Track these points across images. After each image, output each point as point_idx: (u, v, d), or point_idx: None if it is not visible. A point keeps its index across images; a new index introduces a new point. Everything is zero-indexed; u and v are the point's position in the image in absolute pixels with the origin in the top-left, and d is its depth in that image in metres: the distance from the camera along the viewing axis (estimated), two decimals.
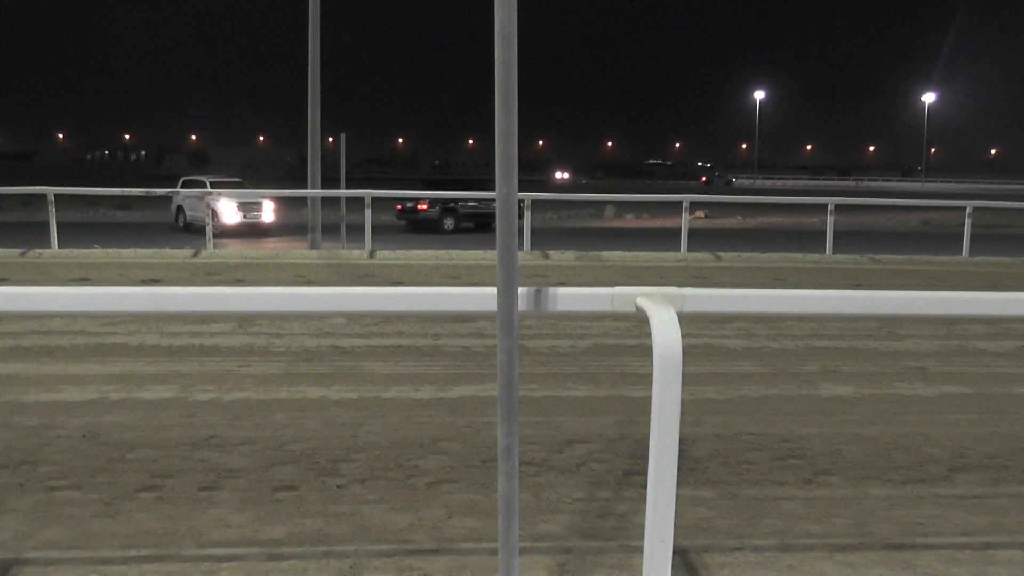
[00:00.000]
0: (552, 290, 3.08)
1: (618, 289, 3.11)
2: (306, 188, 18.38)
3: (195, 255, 15.25)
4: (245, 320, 8.92)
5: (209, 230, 16.67)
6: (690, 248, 17.32)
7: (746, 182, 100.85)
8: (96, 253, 15.18)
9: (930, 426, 5.93)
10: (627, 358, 7.70)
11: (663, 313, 2.86)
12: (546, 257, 15.63)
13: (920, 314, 3.43)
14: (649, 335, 2.83)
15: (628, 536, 4.03)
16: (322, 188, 18.62)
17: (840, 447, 5.43)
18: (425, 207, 28.08)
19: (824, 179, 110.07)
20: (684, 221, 17.57)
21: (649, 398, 2.79)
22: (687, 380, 2.87)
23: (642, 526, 2.92)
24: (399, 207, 28.88)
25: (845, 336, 8.89)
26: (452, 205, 28.01)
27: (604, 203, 38.66)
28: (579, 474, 4.89)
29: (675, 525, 2.88)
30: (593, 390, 6.63)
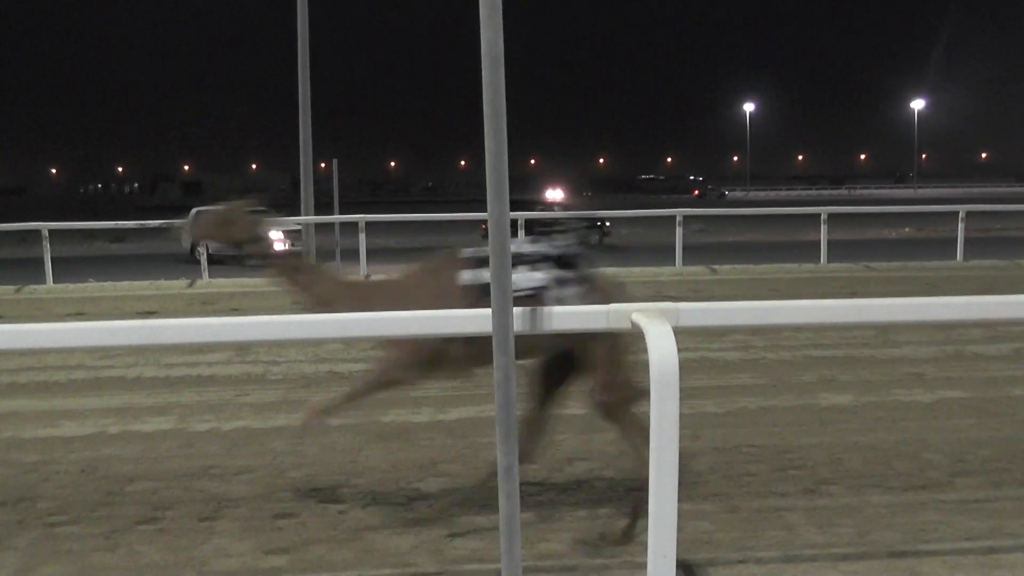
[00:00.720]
0: (547, 309, 3.09)
1: (613, 306, 3.12)
2: (299, 214, 18.42)
3: (190, 285, 15.25)
4: (242, 349, 8.91)
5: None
6: (685, 262, 17.36)
7: (739, 194, 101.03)
8: (91, 287, 15.19)
9: (930, 432, 5.94)
10: None
11: (659, 328, 2.87)
12: None
13: (916, 320, 3.44)
14: (646, 350, 2.83)
15: (631, 552, 4.02)
16: (315, 214, 18.67)
17: (840, 456, 5.43)
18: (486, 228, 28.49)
19: (817, 188, 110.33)
20: (679, 235, 17.61)
21: (648, 413, 2.80)
22: (685, 394, 2.87)
23: (645, 542, 2.92)
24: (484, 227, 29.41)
25: (842, 345, 8.89)
26: (529, 225, 28.87)
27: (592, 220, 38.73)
28: (580, 491, 4.88)
29: (678, 539, 2.87)
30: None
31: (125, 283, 15.55)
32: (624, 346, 4.15)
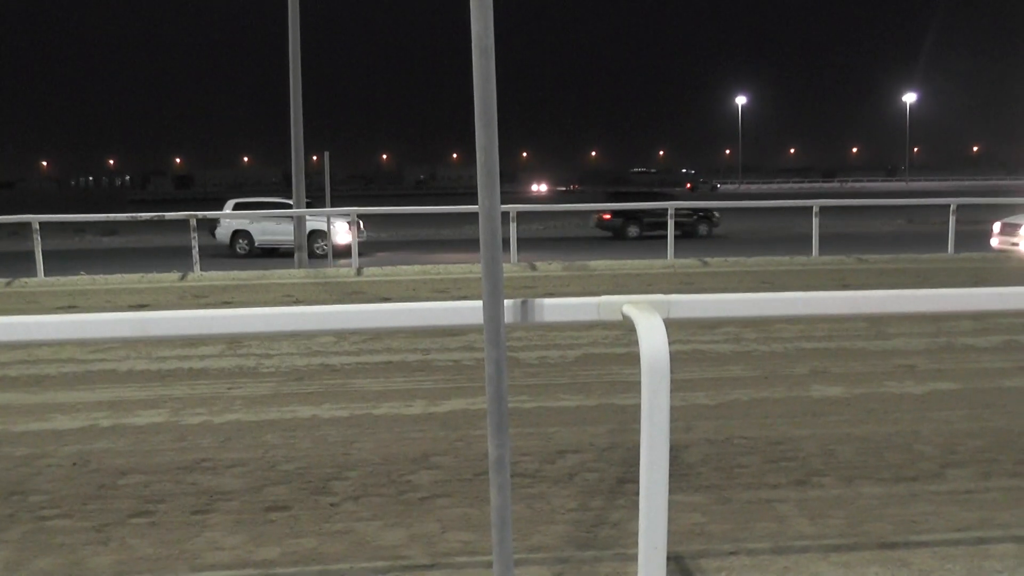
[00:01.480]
0: (539, 301, 3.09)
1: (604, 298, 3.12)
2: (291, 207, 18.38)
3: (182, 278, 15.22)
4: (234, 342, 8.90)
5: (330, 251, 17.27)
6: (676, 254, 17.39)
7: (731, 187, 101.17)
8: (82, 280, 15.15)
9: (921, 423, 5.96)
10: (617, 367, 7.71)
11: (649, 320, 2.87)
12: (533, 268, 15.65)
13: (908, 312, 3.44)
14: (638, 343, 2.83)
15: (623, 544, 4.03)
16: (307, 207, 18.63)
17: (832, 447, 5.45)
18: (609, 217, 31.52)
19: (808, 181, 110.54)
20: (670, 228, 17.64)
21: (639, 406, 2.80)
22: (677, 386, 2.88)
23: (636, 534, 2.93)
24: (606, 216, 31.83)
25: (834, 337, 8.91)
26: (636, 215, 30.82)
27: (590, 213, 38.83)
28: (572, 484, 4.89)
29: (669, 531, 2.88)
30: (584, 400, 6.64)
31: (117, 276, 15.51)
32: None
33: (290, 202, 26.39)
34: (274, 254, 24.76)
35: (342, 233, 24.56)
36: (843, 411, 6.28)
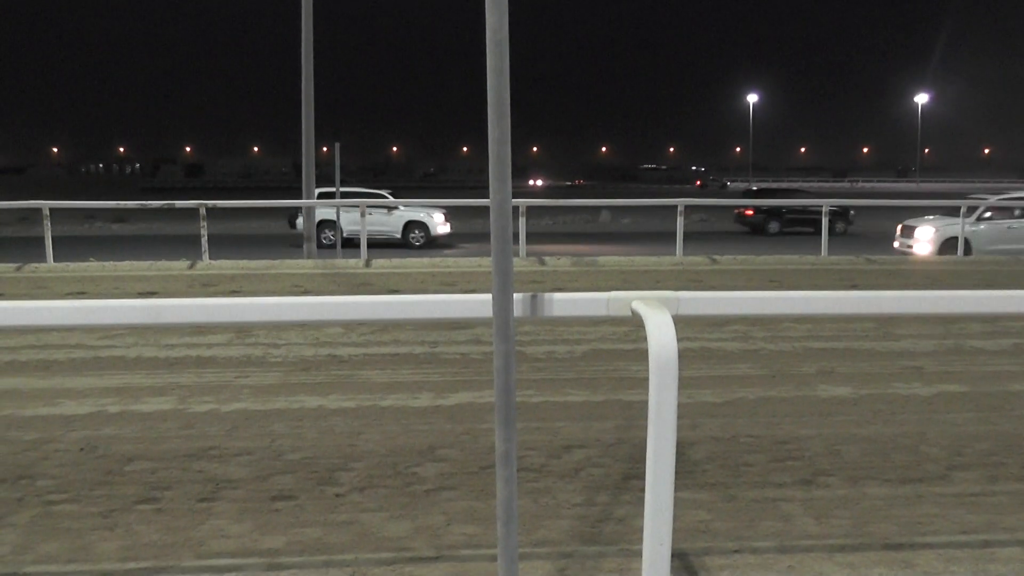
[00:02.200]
0: (548, 295, 3.09)
1: (613, 293, 3.12)
2: (301, 198, 18.40)
3: (191, 266, 15.25)
4: (242, 331, 8.92)
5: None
6: (685, 251, 17.36)
7: (741, 185, 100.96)
8: (92, 266, 15.18)
9: (928, 425, 5.94)
10: (624, 363, 7.70)
11: (658, 316, 2.87)
12: (542, 263, 15.64)
13: (916, 313, 3.44)
14: (646, 339, 2.83)
15: (628, 540, 4.03)
16: (317, 198, 18.65)
17: (838, 447, 5.44)
18: (751, 213, 32.52)
19: (819, 180, 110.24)
20: (679, 225, 17.61)
21: (647, 402, 2.80)
22: (684, 384, 2.88)
23: (641, 530, 2.93)
24: (748, 212, 32.70)
25: (842, 337, 8.89)
26: (778, 211, 31.86)
27: (599, 208, 38.87)
28: (578, 479, 4.89)
29: (674, 528, 2.88)
30: (591, 395, 6.64)
31: (126, 263, 15.54)
32: None
33: (384, 193, 26.32)
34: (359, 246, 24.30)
35: (439, 224, 24.85)
36: (850, 411, 6.27)
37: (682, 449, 5.18)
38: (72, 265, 15.34)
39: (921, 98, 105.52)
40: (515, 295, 2.89)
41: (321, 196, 25.03)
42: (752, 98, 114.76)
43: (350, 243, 24.08)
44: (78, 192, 64.42)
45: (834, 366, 7.66)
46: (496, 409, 2.84)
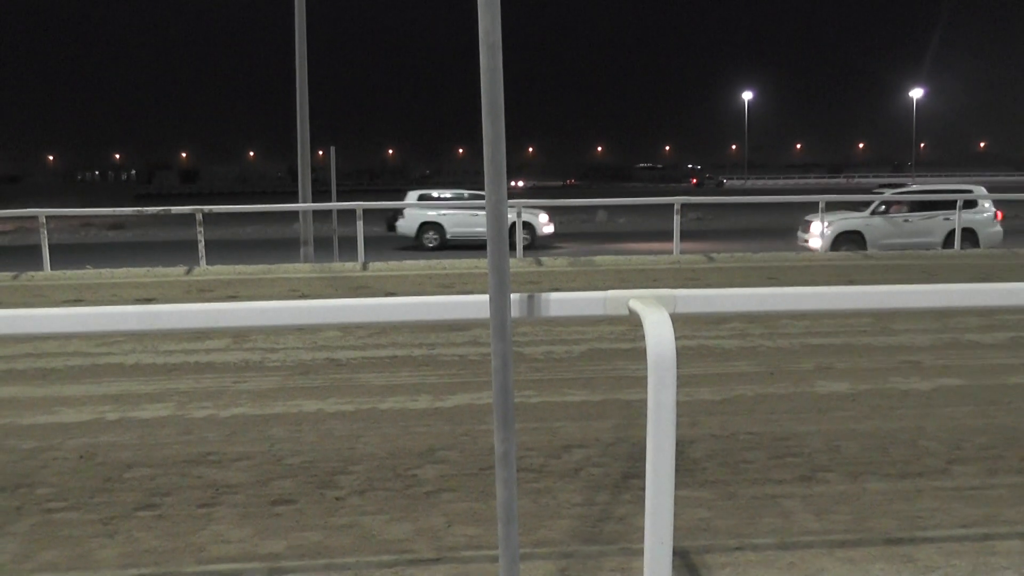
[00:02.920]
0: (545, 295, 3.09)
1: (610, 292, 3.11)
2: (296, 202, 18.39)
3: (188, 272, 15.24)
4: (240, 335, 8.91)
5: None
6: (682, 250, 17.37)
7: (737, 183, 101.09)
8: (89, 273, 15.18)
9: (926, 419, 5.95)
10: (622, 362, 7.71)
11: (656, 315, 2.87)
12: (538, 263, 15.65)
13: (914, 308, 3.44)
14: (644, 338, 2.83)
15: (628, 539, 4.04)
16: (313, 201, 18.64)
17: (837, 443, 5.45)
18: None
19: (815, 177, 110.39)
20: (676, 223, 17.63)
21: (645, 401, 2.80)
22: (683, 382, 2.88)
23: (642, 529, 2.93)
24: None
25: (839, 333, 8.90)
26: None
27: (595, 208, 38.90)
28: (578, 479, 4.89)
29: (675, 526, 2.88)
30: (589, 395, 6.64)
31: (123, 270, 15.54)
32: None
33: (483, 194, 26.31)
34: (467, 248, 23.78)
35: (544, 225, 24.89)
36: (848, 407, 6.28)
37: (682, 447, 5.18)
38: (69, 272, 15.34)
39: (916, 93, 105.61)
40: (512, 295, 2.89)
41: (421, 198, 25.03)
42: (747, 95, 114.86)
43: (453, 246, 24.16)
44: (74, 200, 64.37)
45: (832, 362, 7.67)
46: (495, 409, 2.84)
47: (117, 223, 35.91)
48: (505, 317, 2.79)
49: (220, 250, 22.55)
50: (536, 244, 25.13)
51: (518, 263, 15.53)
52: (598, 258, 16.16)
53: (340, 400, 6.59)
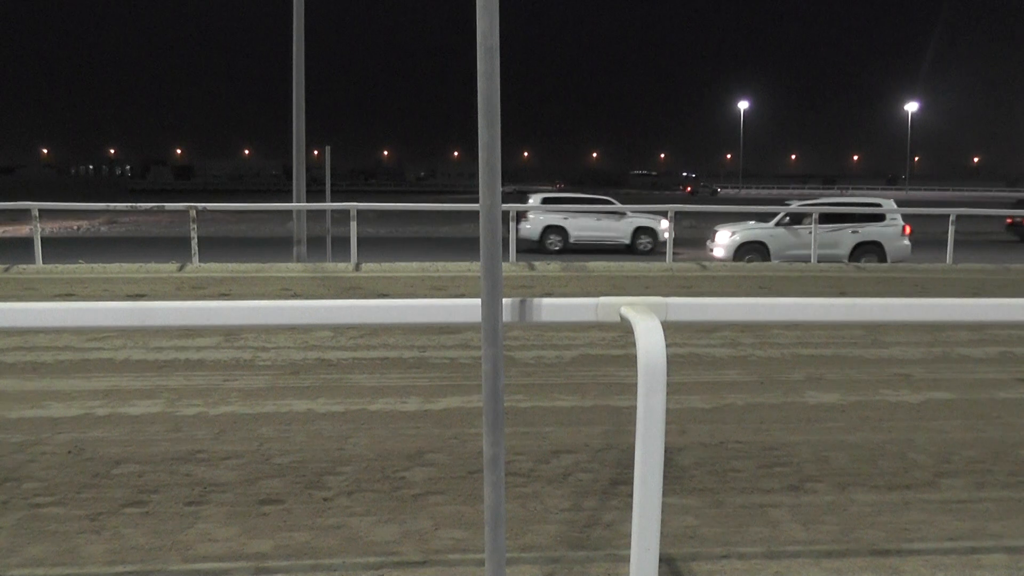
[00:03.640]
0: (536, 300, 3.09)
1: (602, 299, 3.12)
2: (291, 201, 18.36)
3: (180, 269, 15.20)
4: (231, 334, 8.89)
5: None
6: (675, 258, 17.38)
7: (731, 191, 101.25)
8: (81, 268, 15.13)
9: (915, 432, 5.96)
10: (613, 368, 7.71)
11: (647, 322, 2.88)
12: (531, 268, 15.65)
13: (905, 321, 3.45)
14: (635, 345, 2.84)
15: (615, 545, 4.04)
16: (308, 200, 18.60)
17: (826, 454, 5.46)
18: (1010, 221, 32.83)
19: (809, 188, 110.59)
20: (670, 230, 17.65)
21: (635, 407, 2.80)
22: (673, 389, 2.88)
23: (629, 535, 2.93)
24: (1008, 220, 32.44)
25: (830, 344, 8.93)
26: None
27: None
28: (566, 484, 4.89)
29: (662, 533, 2.88)
30: (579, 400, 6.64)
31: (115, 265, 15.49)
32: None
33: (610, 199, 26.24)
34: (591, 252, 24.03)
35: (665, 231, 24.90)
36: (838, 418, 6.29)
37: (670, 454, 5.19)
38: (61, 266, 15.28)
39: (911, 107, 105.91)
40: (504, 300, 2.90)
41: (545, 201, 25.09)
42: (743, 105, 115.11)
43: (576, 249, 24.25)
44: (67, 193, 64.16)
45: (823, 373, 7.68)
46: (484, 413, 2.84)
47: (110, 218, 35.83)
48: (497, 321, 2.80)
49: (213, 247, 22.50)
50: (657, 249, 25.20)
51: (511, 267, 15.53)
52: (591, 264, 16.16)
53: (330, 400, 6.58)
